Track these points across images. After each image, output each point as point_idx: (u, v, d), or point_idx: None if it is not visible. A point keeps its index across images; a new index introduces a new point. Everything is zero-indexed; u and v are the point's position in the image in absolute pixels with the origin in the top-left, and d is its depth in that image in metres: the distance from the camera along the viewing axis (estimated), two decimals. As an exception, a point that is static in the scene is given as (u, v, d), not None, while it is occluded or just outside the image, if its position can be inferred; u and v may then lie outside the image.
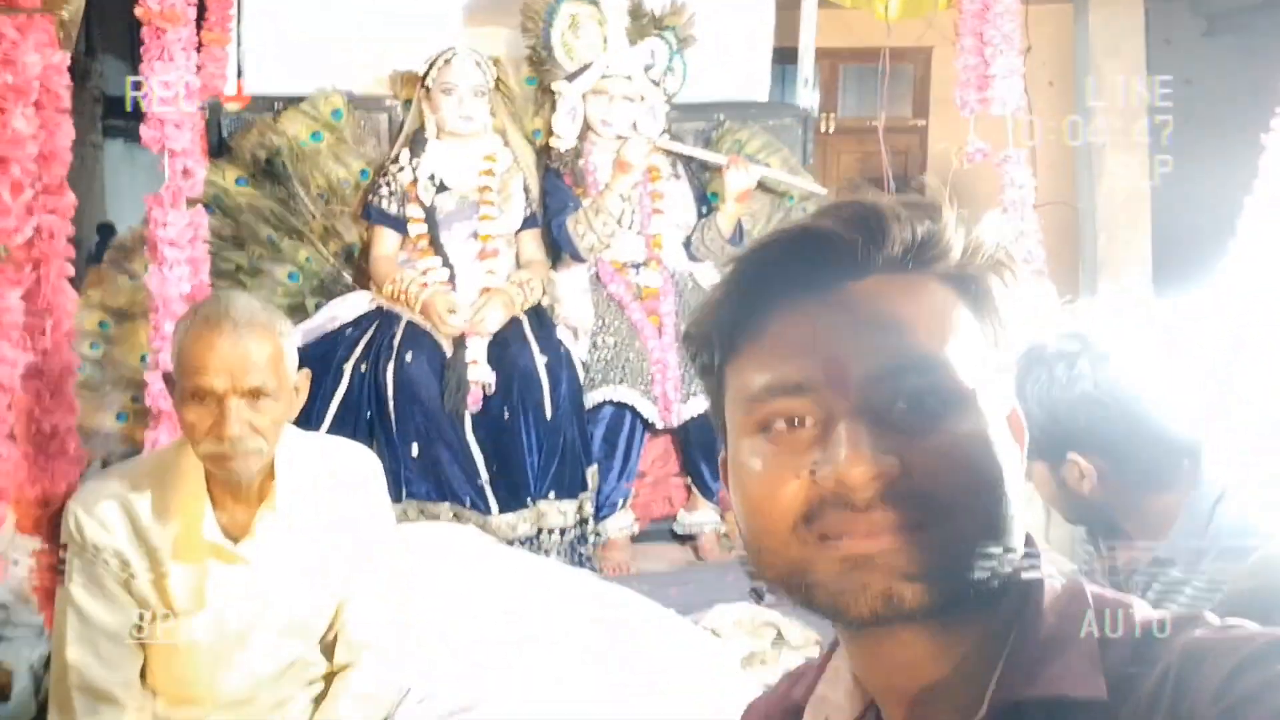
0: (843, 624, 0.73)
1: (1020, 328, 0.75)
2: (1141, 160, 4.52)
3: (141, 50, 2.62)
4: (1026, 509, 0.72)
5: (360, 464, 1.96)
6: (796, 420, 0.70)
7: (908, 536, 0.66)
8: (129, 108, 2.58)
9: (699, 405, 3.08)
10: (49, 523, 1.84)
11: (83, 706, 1.73)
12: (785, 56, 4.28)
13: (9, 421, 1.72)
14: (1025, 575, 0.72)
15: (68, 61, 1.83)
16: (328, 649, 1.90)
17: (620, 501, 3.11)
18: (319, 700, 1.88)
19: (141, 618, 1.76)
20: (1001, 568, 0.69)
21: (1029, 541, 0.72)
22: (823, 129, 6.58)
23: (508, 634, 2.09)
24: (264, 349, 1.68)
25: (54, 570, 1.81)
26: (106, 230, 8.30)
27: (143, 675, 1.80)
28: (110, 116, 8.73)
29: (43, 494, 1.82)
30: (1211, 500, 1.54)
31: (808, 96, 4.04)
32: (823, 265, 0.71)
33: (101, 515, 1.74)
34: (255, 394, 1.67)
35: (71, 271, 1.93)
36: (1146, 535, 1.53)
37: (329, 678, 1.90)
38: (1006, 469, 0.70)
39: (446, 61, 3.22)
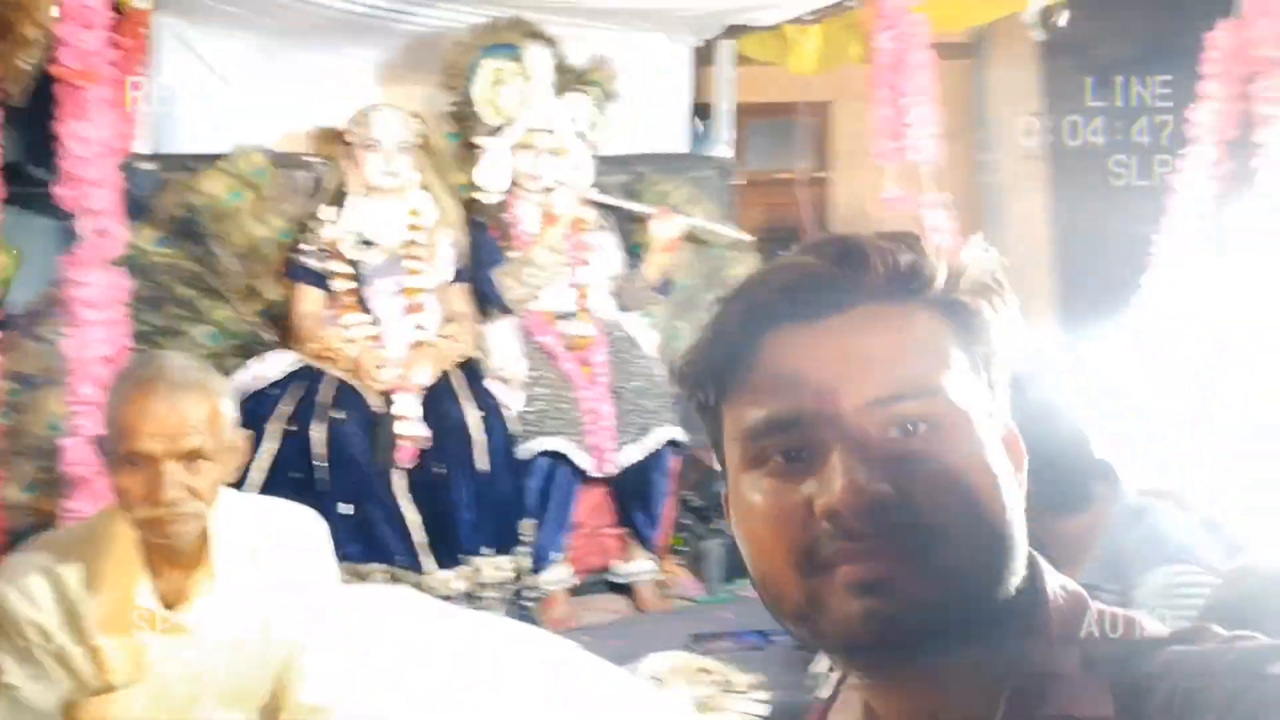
0: (848, 655, 0.73)
1: (1012, 350, 0.76)
2: (1041, 204, 4.69)
3: (57, 109, 2.56)
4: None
5: (301, 525, 1.90)
6: (792, 453, 0.71)
7: (908, 563, 0.67)
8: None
9: (635, 453, 3.08)
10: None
11: (10, 786, 1.65)
12: (697, 112, 4.40)
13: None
14: (1029, 595, 0.72)
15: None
16: (270, 715, 1.83)
17: (556, 555, 3.08)
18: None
19: (75, 693, 1.68)
20: (1005, 590, 0.69)
21: (1032, 560, 0.73)
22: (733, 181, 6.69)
23: (457, 691, 2.04)
24: (200, 410, 1.63)
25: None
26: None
27: (77, 753, 1.72)
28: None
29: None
30: (1126, 525, 1.58)
31: (726, 149, 4.13)
32: (809, 299, 0.72)
33: (26, 587, 1.66)
34: (192, 456, 1.62)
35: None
36: (1065, 559, 1.57)
37: (272, 747, 1.83)
38: (1003, 491, 0.70)
39: (369, 117, 3.21)
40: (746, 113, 6.99)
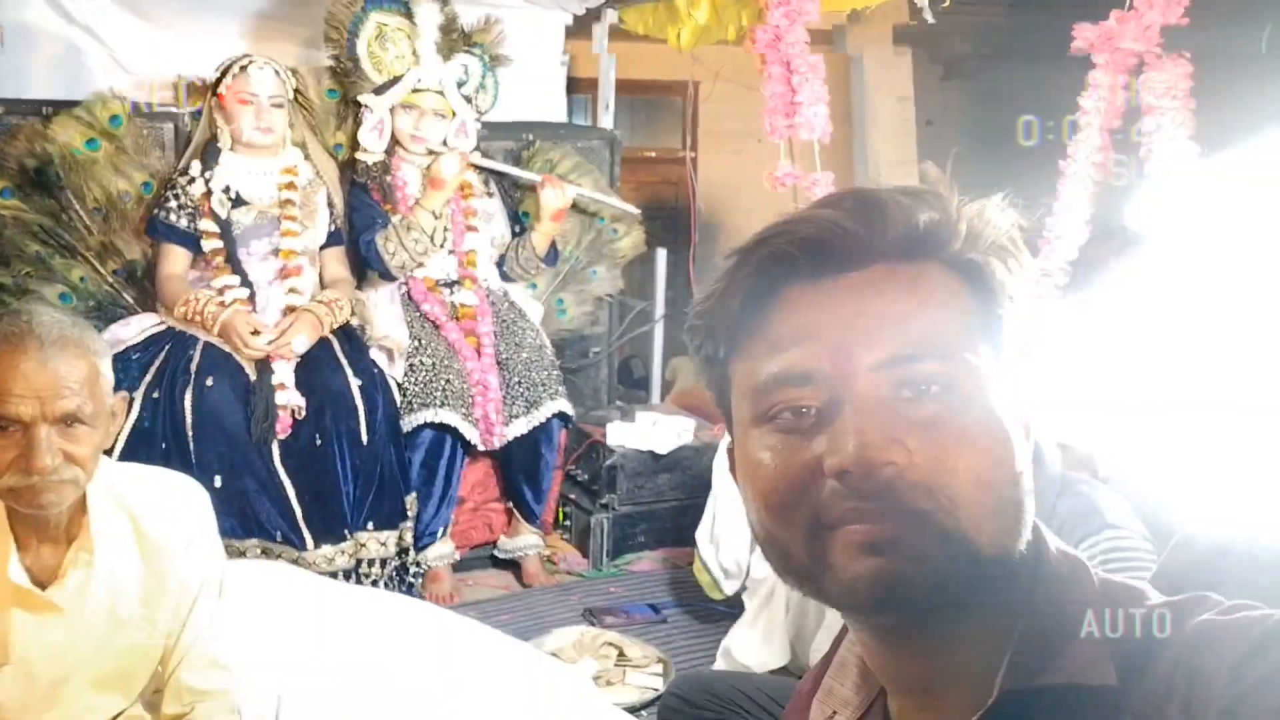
0: (853, 611, 0.73)
1: (1026, 310, 0.74)
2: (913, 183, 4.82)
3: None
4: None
5: (183, 495, 1.78)
6: (803, 409, 0.69)
7: (917, 524, 0.66)
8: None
9: (523, 426, 3.02)
10: None
11: None
12: (574, 86, 4.35)
13: None
14: (1031, 560, 0.72)
15: None
16: (153, 701, 1.72)
17: (441, 530, 3.00)
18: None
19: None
20: (1011, 555, 0.69)
21: (1035, 527, 0.72)
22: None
23: (346, 671, 1.95)
24: (77, 370, 1.50)
25: None
26: None
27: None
28: None
29: None
30: (1054, 496, 1.62)
31: (610, 121, 4.09)
32: (826, 255, 0.71)
33: None
34: (69, 419, 1.49)
35: None
36: None
37: (153, 728, 1.71)
38: (1017, 454, 0.70)
39: (243, 69, 3.04)
40: (619, 89, 7.04)
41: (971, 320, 0.72)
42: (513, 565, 3.16)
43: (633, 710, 2.22)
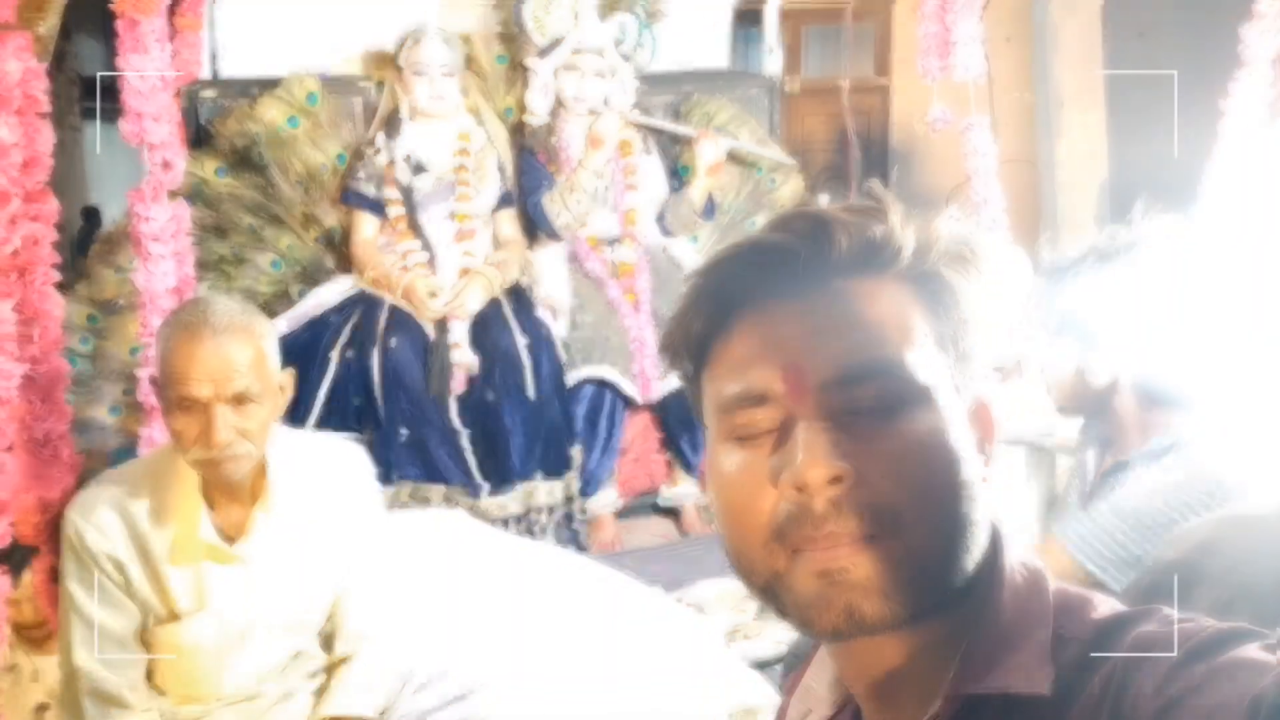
0: (811, 635, 0.75)
1: (994, 308, 0.77)
2: (1098, 117, 4.54)
3: (116, 43, 2.61)
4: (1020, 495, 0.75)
5: (350, 460, 2.00)
6: (764, 427, 0.72)
7: (867, 548, 0.68)
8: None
9: (677, 380, 3.13)
10: (48, 529, 1.88)
11: (93, 710, 1.78)
12: (748, 20, 4.30)
13: (8, 434, 1.75)
14: (986, 572, 0.74)
15: (46, 65, 1.84)
16: (326, 642, 1.95)
17: (605, 478, 3.17)
18: (321, 692, 1.94)
19: (144, 620, 1.81)
20: (961, 571, 0.71)
21: (995, 535, 0.75)
22: (787, 91, 6.58)
23: (502, 618, 2.15)
24: (246, 353, 1.69)
25: (55, 577, 1.85)
26: (91, 214, 8.15)
27: (149, 676, 1.85)
28: (87, 98, 8.56)
29: (39, 501, 1.86)
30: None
31: (773, 64, 4.06)
32: (779, 275, 0.73)
33: (99, 521, 1.77)
34: (240, 399, 1.68)
35: (58, 278, 1.95)
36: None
37: (330, 669, 1.95)
38: (966, 467, 0.71)
39: (416, 41, 3.23)
40: (802, 19, 6.85)
41: (923, 334, 0.73)
42: (673, 513, 3.31)
43: (766, 665, 2.32)
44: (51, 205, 1.88)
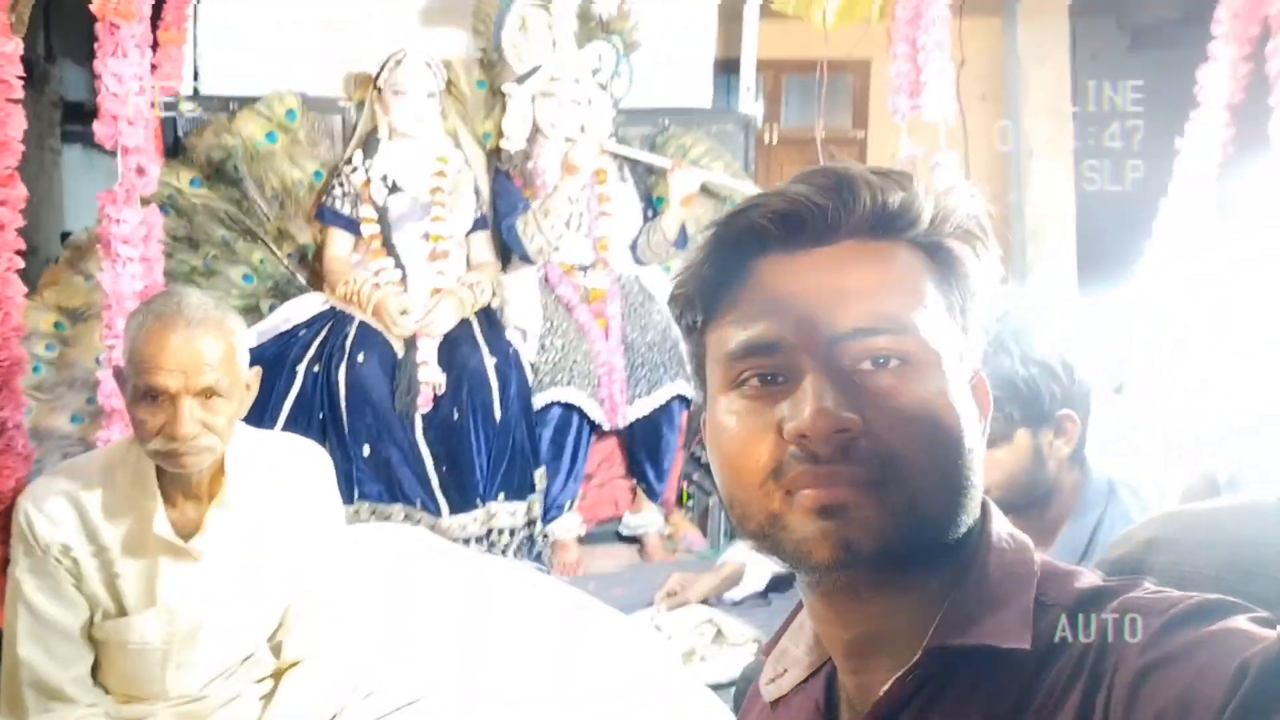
0: (804, 571, 0.76)
1: (989, 295, 0.78)
2: (1066, 166, 4.64)
3: (96, 46, 2.62)
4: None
5: (310, 461, 1.98)
6: (769, 377, 0.73)
7: (867, 491, 0.70)
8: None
9: (644, 407, 3.15)
10: (2, 520, 1.85)
11: (34, 703, 1.74)
12: (730, 67, 4.40)
13: (-36, 412, 1.74)
14: (975, 536, 0.76)
15: (20, 50, 1.84)
16: (277, 646, 1.92)
17: (568, 503, 3.17)
18: (268, 697, 1.90)
19: (92, 615, 1.78)
20: (956, 528, 0.73)
21: (985, 505, 0.77)
22: (766, 139, 6.66)
23: (456, 629, 2.13)
24: (217, 348, 1.69)
25: (3, 567, 1.82)
26: (68, 238, 8.12)
27: (95, 672, 1.82)
28: (69, 122, 8.55)
29: (-10, 491, 1.84)
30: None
31: (751, 105, 4.13)
32: (797, 229, 0.75)
33: (51, 512, 1.75)
34: (208, 393, 1.67)
35: (21, 264, 1.94)
36: (1066, 512, 1.60)
37: (278, 675, 1.92)
38: (967, 432, 0.73)
39: (398, 63, 3.26)
40: (782, 68, 6.97)
41: (934, 300, 0.75)
42: (636, 541, 3.30)
43: (721, 687, 2.31)
44: (18, 191, 1.88)
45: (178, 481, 1.77)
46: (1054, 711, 0.68)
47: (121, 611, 1.79)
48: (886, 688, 0.75)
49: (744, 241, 0.76)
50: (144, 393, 1.67)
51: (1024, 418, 1.56)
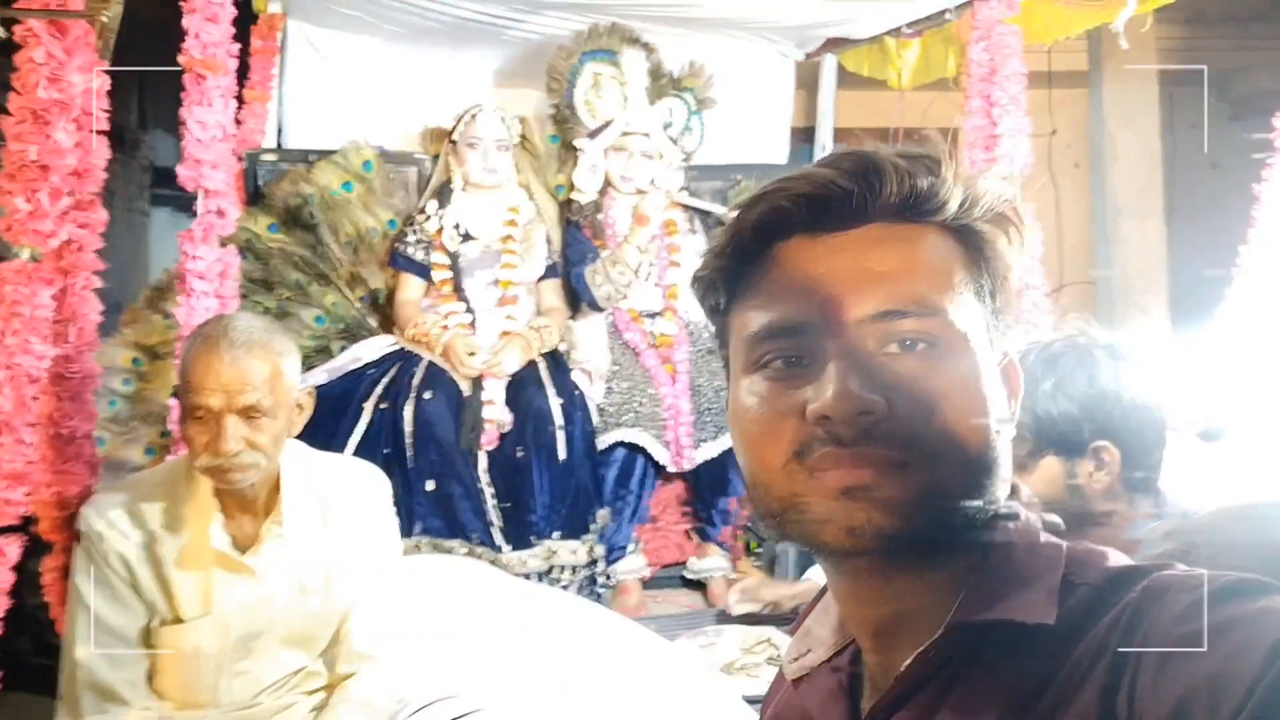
0: (823, 554, 0.75)
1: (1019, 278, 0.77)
2: (1157, 226, 4.56)
3: (182, 95, 2.75)
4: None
5: (366, 481, 2.02)
6: (793, 358, 0.73)
7: (890, 474, 0.69)
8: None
9: (711, 450, 3.12)
10: (66, 526, 1.90)
11: (90, 704, 1.79)
12: (808, 137, 4.43)
13: (34, 411, 1.80)
14: (1002, 520, 0.74)
15: (106, 85, 1.94)
16: (331, 659, 1.94)
17: (631, 545, 3.14)
18: (319, 709, 1.91)
19: (149, 621, 1.81)
20: (980, 510, 0.71)
21: (1014, 489, 0.75)
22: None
23: (512, 651, 2.11)
24: (261, 368, 1.74)
25: (67, 572, 1.86)
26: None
27: (151, 678, 1.85)
28: (158, 186, 8.98)
29: (59, 497, 1.89)
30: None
31: (826, 161, 4.14)
32: (822, 212, 0.74)
33: (113, 520, 1.81)
34: (252, 412, 1.73)
35: (98, 283, 2.02)
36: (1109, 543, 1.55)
37: (330, 687, 1.94)
38: (993, 415, 0.72)
39: (473, 117, 3.36)
40: (861, 138, 7.01)
41: (962, 283, 0.74)
42: (702, 586, 3.25)
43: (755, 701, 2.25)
44: (99, 215, 1.96)
45: (234, 496, 1.82)
46: (1077, 689, 0.66)
47: (178, 619, 1.82)
48: (908, 663, 0.73)
49: (767, 224, 0.75)
50: (192, 411, 1.73)
51: (1052, 446, 1.54)
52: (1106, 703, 0.64)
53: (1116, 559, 0.73)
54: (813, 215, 0.74)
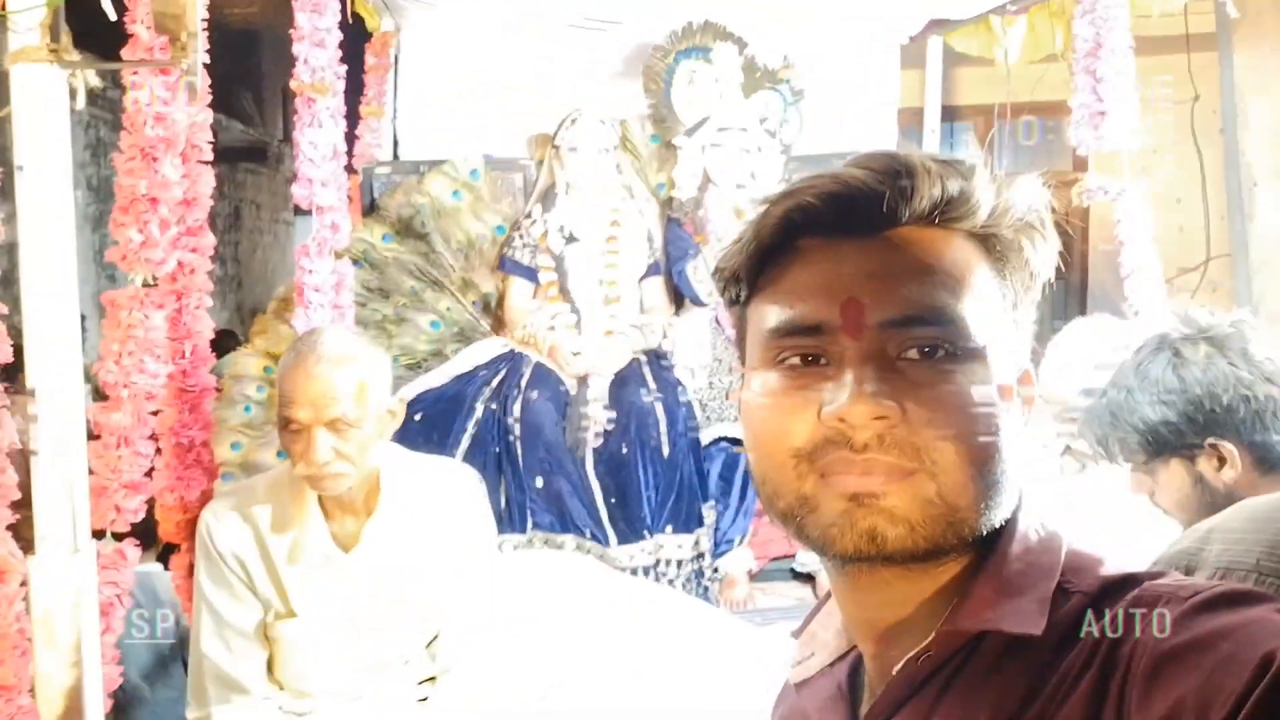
0: (829, 558, 0.75)
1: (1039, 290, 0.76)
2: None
3: (294, 118, 2.91)
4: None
5: (461, 482, 2.10)
6: (809, 358, 0.73)
7: (903, 479, 0.69)
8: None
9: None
10: (187, 528, 2.05)
11: (215, 694, 1.92)
12: (918, 117, 4.35)
13: (151, 424, 1.94)
14: (1006, 526, 0.74)
15: (210, 118, 2.08)
16: (433, 651, 2.03)
17: (738, 538, 3.17)
18: (423, 701, 2.01)
19: (265, 615, 1.94)
20: (986, 522, 0.71)
21: (1020, 497, 0.75)
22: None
23: (613, 651, 2.17)
24: (348, 381, 1.82)
25: (192, 572, 2.01)
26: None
27: (270, 668, 1.98)
28: (298, 194, 9.42)
29: (180, 501, 2.05)
30: None
31: (933, 145, 4.08)
32: (849, 212, 0.73)
33: (228, 524, 1.94)
34: (339, 423, 1.81)
35: (210, 304, 2.17)
36: None
37: (434, 679, 2.03)
38: (1005, 429, 0.71)
39: (573, 122, 3.43)
40: (995, 114, 6.85)
41: (988, 293, 0.73)
42: (811, 579, 3.26)
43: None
44: (207, 240, 2.10)
45: (335, 498, 1.92)
46: (1066, 697, 0.67)
47: (290, 613, 1.94)
48: (898, 669, 0.74)
49: (792, 220, 0.75)
50: (286, 423, 1.83)
51: (1169, 450, 1.54)
52: (1095, 712, 0.64)
53: (1111, 566, 0.73)
54: (839, 215, 0.73)
